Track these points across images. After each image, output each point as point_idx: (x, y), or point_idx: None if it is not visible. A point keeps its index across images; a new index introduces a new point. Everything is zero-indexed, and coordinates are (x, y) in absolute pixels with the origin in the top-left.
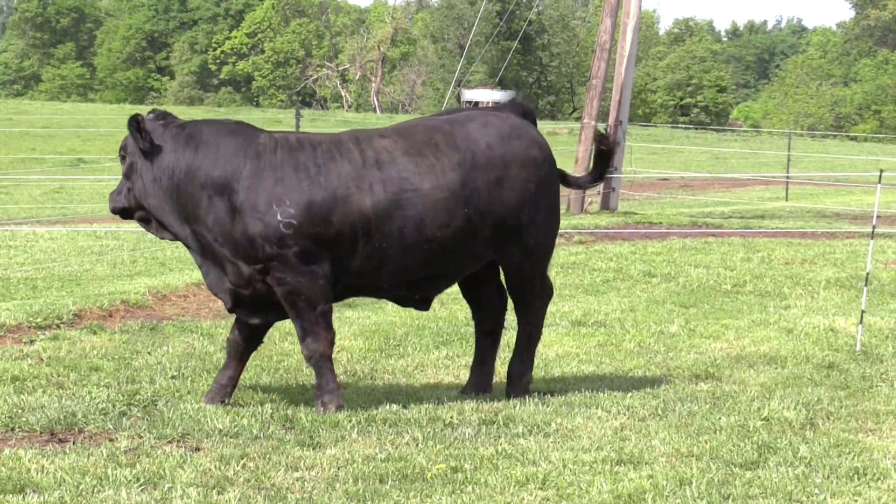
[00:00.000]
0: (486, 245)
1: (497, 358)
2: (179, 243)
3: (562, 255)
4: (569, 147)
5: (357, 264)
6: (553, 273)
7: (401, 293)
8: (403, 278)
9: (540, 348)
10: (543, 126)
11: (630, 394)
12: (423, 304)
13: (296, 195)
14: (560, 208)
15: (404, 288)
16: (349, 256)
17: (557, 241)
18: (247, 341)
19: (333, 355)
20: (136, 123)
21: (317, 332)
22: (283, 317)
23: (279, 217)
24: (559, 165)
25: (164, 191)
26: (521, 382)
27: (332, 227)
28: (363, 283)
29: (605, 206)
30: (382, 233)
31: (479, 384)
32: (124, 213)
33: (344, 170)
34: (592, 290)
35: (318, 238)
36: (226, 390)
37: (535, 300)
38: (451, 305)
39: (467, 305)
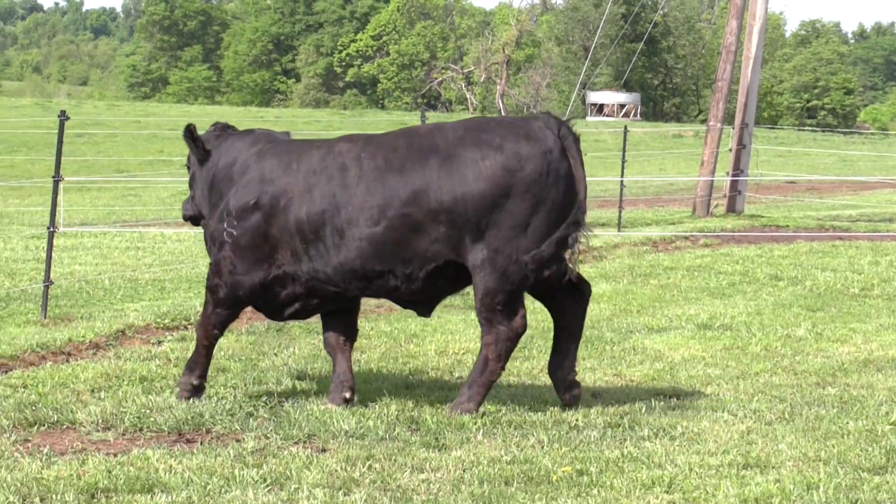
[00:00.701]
0: (441, 247)
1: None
2: None
3: (688, 258)
4: (694, 150)
5: (306, 268)
6: (679, 276)
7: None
8: (355, 285)
9: (665, 351)
10: (669, 128)
11: (756, 397)
12: (423, 310)
13: (240, 206)
14: (552, 234)
15: (367, 294)
16: (298, 260)
17: (683, 243)
18: (340, 335)
19: (459, 358)
20: (189, 133)
21: (204, 324)
22: (316, 310)
23: (225, 226)
24: (684, 168)
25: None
26: (459, 406)
27: (270, 240)
28: (321, 283)
29: (732, 208)
30: (317, 241)
31: (562, 381)
32: (193, 220)
33: (293, 181)
34: (718, 293)
35: (256, 248)
36: (345, 385)
37: (496, 321)
38: None
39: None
